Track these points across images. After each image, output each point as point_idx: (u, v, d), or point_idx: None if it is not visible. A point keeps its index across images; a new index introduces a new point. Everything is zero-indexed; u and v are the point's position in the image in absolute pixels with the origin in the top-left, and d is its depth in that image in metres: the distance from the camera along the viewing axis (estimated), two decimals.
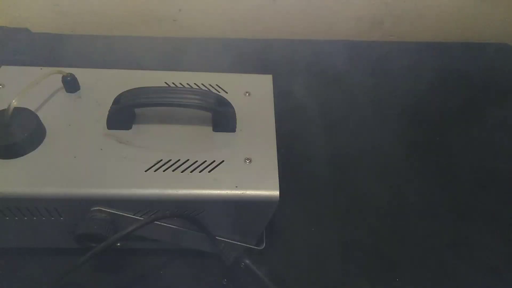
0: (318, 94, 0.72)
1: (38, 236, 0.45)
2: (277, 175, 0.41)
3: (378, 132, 0.67)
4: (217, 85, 0.50)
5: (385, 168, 0.61)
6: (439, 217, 0.56)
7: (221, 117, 0.44)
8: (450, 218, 0.56)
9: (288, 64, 0.77)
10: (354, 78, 0.76)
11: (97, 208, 0.40)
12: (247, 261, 0.42)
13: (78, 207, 0.39)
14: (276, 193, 0.40)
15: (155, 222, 0.41)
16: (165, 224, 0.42)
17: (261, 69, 0.54)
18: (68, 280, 0.45)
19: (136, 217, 0.41)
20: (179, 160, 0.42)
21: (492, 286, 0.49)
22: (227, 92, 0.49)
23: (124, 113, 0.44)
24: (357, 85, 0.75)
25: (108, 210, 0.40)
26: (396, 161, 0.63)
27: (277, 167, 0.42)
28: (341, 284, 0.48)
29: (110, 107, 0.43)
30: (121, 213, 0.40)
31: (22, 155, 0.40)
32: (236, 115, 0.46)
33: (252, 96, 0.49)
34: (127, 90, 0.43)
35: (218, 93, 0.48)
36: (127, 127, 0.44)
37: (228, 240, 0.46)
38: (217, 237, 0.45)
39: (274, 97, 0.49)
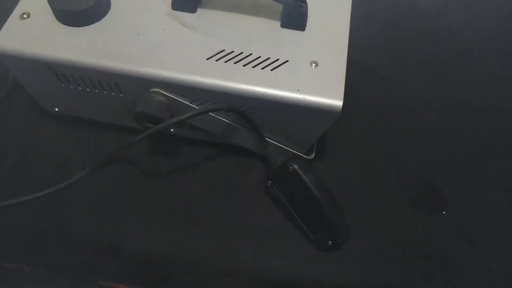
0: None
1: (100, 110, 0.47)
2: (343, 84, 0.38)
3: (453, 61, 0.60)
4: None
5: (453, 102, 0.56)
6: (502, 160, 0.52)
7: (292, 11, 0.40)
8: None
9: None
10: None
11: (156, 89, 0.39)
12: (296, 166, 0.42)
13: (138, 86, 0.39)
14: (339, 103, 0.38)
15: (210, 113, 0.41)
16: (219, 117, 0.42)
17: None
18: (123, 155, 0.48)
19: (193, 105, 0.41)
20: (242, 53, 0.39)
21: None
22: None
23: None
24: None
25: (166, 94, 0.40)
26: (467, 94, 0.57)
27: (344, 75, 0.39)
28: (384, 206, 0.47)
29: None
30: (178, 99, 0.40)
31: (87, 25, 0.40)
32: (308, 12, 0.42)
33: None
34: None
35: None
36: (192, 10, 0.42)
37: (278, 144, 0.46)
38: (268, 139, 0.45)
39: None
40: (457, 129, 0.54)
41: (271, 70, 0.39)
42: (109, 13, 0.41)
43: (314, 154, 0.48)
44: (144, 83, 0.39)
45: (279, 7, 0.40)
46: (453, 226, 0.47)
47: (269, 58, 0.39)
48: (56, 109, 0.48)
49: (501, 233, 0.47)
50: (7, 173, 0.47)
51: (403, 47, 0.60)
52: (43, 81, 0.42)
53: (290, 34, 0.41)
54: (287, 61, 0.39)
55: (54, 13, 0.40)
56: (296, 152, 0.47)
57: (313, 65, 0.39)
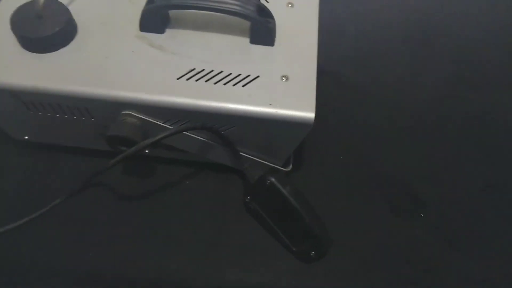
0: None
1: (72, 135, 0.46)
2: (314, 96, 0.39)
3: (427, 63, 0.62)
4: None
5: (424, 106, 0.58)
6: (474, 161, 0.53)
7: (261, 28, 0.41)
8: (486, 163, 0.53)
9: None
10: None
11: (128, 112, 0.39)
12: (273, 179, 0.42)
13: (109, 109, 0.39)
14: (311, 115, 0.38)
15: (184, 132, 0.41)
16: (194, 136, 0.42)
17: None
18: (98, 180, 0.47)
19: (166, 126, 0.40)
20: (212, 70, 0.40)
21: None
22: (267, 1, 0.45)
23: (158, 15, 0.41)
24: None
25: (138, 116, 0.39)
26: (437, 99, 0.58)
27: (315, 87, 0.39)
28: (364, 213, 0.48)
29: (144, 7, 0.41)
30: (151, 120, 0.40)
31: (53, 51, 0.39)
32: (276, 27, 0.42)
33: (295, 7, 0.45)
34: None
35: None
36: (160, 30, 0.42)
37: (255, 158, 0.46)
38: (244, 154, 0.45)
39: (319, 10, 0.45)
40: (431, 132, 0.55)
41: (243, 86, 0.39)
42: (76, 37, 0.40)
43: (291, 165, 0.48)
44: (115, 106, 0.39)
45: (247, 24, 0.41)
46: (432, 228, 0.48)
47: (240, 74, 0.40)
48: (26, 137, 0.47)
49: (480, 232, 0.48)
50: None
51: (373, 56, 0.62)
52: (10, 109, 0.41)
53: (260, 50, 0.42)
54: (258, 76, 0.40)
55: (18, 40, 0.39)
56: (273, 165, 0.47)
57: (284, 79, 0.40)
